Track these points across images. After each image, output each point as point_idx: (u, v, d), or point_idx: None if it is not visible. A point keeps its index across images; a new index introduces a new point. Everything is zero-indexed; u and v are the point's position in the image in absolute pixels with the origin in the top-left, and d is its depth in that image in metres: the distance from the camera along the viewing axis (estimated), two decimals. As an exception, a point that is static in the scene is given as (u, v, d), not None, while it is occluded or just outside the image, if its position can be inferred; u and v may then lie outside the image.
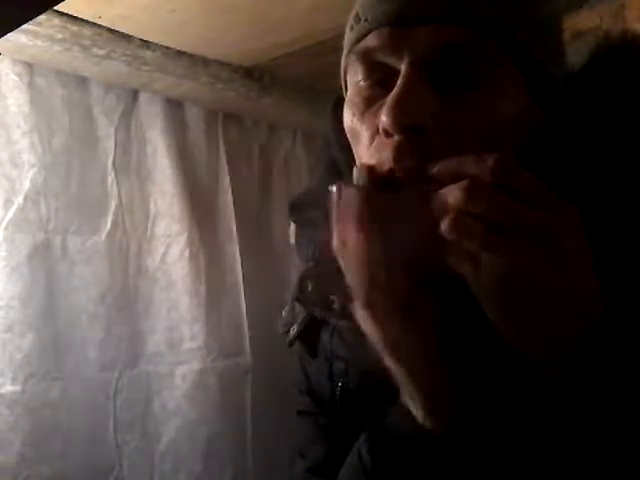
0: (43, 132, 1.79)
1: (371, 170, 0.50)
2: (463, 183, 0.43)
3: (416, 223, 0.46)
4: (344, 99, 0.62)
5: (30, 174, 1.76)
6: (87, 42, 1.66)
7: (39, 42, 1.61)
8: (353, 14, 0.57)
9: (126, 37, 1.73)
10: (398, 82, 0.50)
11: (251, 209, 2.25)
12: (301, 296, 0.66)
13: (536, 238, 0.42)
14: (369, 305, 0.49)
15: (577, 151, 0.54)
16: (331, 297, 0.62)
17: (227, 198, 2.18)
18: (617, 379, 0.42)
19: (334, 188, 0.50)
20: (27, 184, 1.75)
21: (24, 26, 1.27)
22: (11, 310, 1.69)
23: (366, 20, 0.54)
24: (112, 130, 1.94)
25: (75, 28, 1.63)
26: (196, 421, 1.99)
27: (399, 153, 0.50)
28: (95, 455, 1.82)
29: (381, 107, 0.51)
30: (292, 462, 0.70)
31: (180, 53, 1.85)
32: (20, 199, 1.74)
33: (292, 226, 0.72)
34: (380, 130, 0.51)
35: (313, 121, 2.27)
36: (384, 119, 0.50)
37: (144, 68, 1.81)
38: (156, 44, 1.80)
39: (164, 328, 1.99)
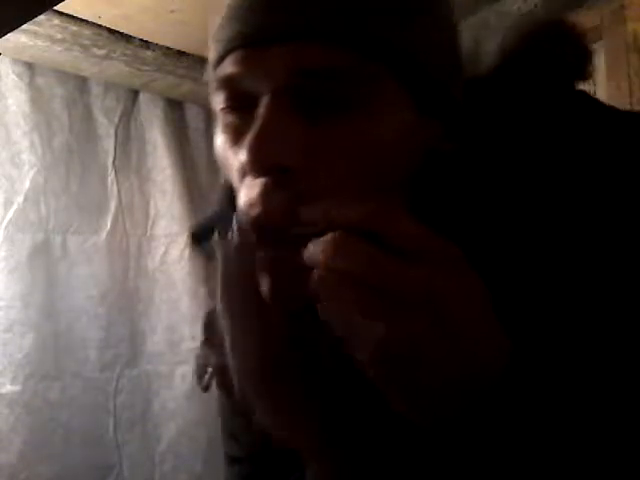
0: (43, 132, 1.79)
1: (246, 215, 0.44)
2: (330, 236, 0.37)
3: (289, 278, 0.41)
4: None
5: (30, 174, 1.76)
6: (87, 42, 1.66)
7: (39, 42, 1.61)
8: (213, 30, 0.49)
9: (126, 37, 1.73)
10: (259, 114, 0.43)
11: (251, 209, 2.24)
12: (209, 340, 0.60)
13: (412, 299, 0.36)
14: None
15: (479, 165, 0.47)
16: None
17: (227, 198, 2.18)
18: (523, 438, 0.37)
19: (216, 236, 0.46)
20: (27, 184, 1.76)
21: (24, 26, 1.27)
22: (11, 310, 1.69)
23: (221, 41, 0.47)
24: (112, 130, 1.94)
25: (75, 28, 1.63)
26: (196, 421, 1.99)
27: (266, 197, 0.43)
28: (95, 455, 1.83)
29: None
30: None
31: (180, 53, 1.85)
32: (20, 199, 1.74)
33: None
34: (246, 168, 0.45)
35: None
36: (243, 159, 0.43)
37: (144, 68, 1.81)
38: (156, 44, 1.80)
39: (164, 328, 1.99)
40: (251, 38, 0.44)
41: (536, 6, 1.67)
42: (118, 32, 1.71)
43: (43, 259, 1.77)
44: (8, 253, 1.70)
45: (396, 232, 0.37)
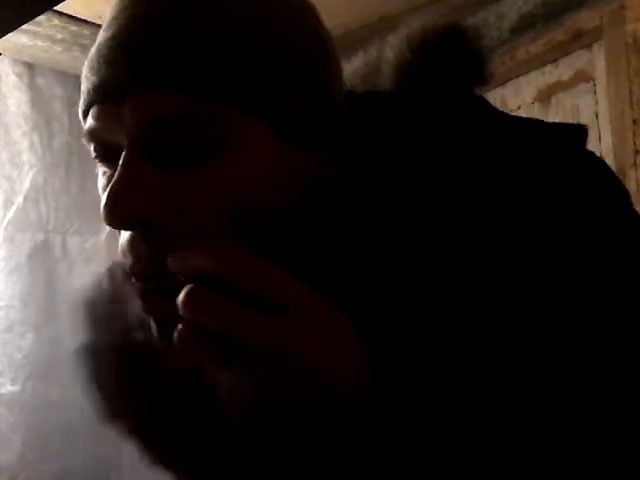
0: (43, 132, 1.79)
1: (122, 265, 0.44)
2: (184, 291, 0.37)
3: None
4: None
5: (30, 174, 1.76)
6: (87, 42, 1.66)
7: (39, 42, 1.61)
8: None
9: (126, 37, 1.73)
10: (117, 168, 0.43)
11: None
12: None
13: (262, 351, 0.36)
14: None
15: (363, 190, 0.46)
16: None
17: (227, 198, 2.18)
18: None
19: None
20: (27, 184, 1.76)
21: (24, 26, 1.27)
22: (11, 310, 1.69)
23: (82, 93, 0.47)
24: (112, 130, 1.94)
25: (75, 28, 1.63)
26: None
27: (132, 249, 0.42)
28: (95, 455, 1.83)
29: None
30: None
31: (180, 53, 1.85)
32: (20, 199, 1.74)
33: None
34: None
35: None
36: (102, 212, 0.42)
37: (144, 68, 1.81)
38: (156, 44, 1.80)
39: (164, 328, 1.99)
40: (105, 91, 0.44)
41: (536, 6, 1.67)
42: (118, 32, 1.71)
43: (43, 259, 1.77)
44: (8, 253, 1.70)
45: (249, 281, 0.36)
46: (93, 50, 0.47)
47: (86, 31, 1.65)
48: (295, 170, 0.45)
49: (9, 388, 1.68)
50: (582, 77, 1.58)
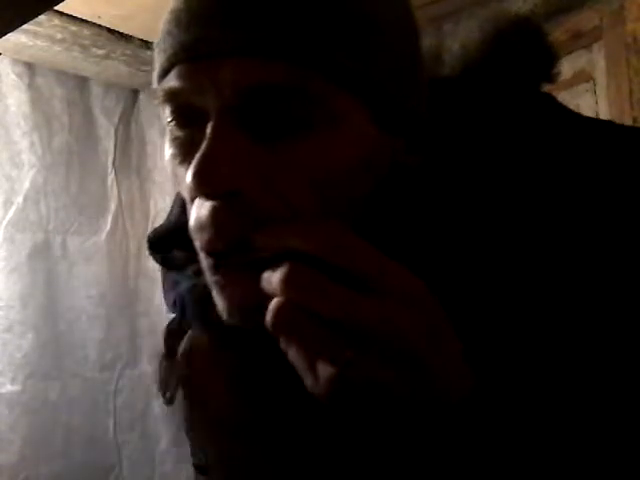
0: (43, 132, 1.79)
1: (197, 238, 0.42)
2: (283, 267, 0.35)
3: (246, 302, 0.40)
4: None
5: (30, 174, 1.76)
6: (87, 42, 1.66)
7: (39, 42, 1.61)
8: (157, 39, 0.46)
9: (126, 37, 1.73)
10: (206, 134, 0.40)
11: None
12: (168, 355, 0.57)
13: (367, 334, 0.34)
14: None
15: (444, 179, 0.45)
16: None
17: (227, 198, 2.18)
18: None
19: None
20: (27, 184, 1.76)
21: (24, 26, 1.27)
22: (11, 310, 1.69)
23: (165, 51, 0.43)
24: (112, 130, 1.94)
25: (75, 28, 1.63)
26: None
27: (216, 221, 0.40)
28: (95, 455, 1.83)
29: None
30: None
31: (180, 53, 1.85)
32: (20, 199, 1.74)
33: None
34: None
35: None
36: (189, 183, 0.40)
37: (144, 68, 1.81)
38: (156, 44, 1.80)
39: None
40: (199, 51, 0.41)
41: (536, 6, 1.67)
42: (118, 32, 1.71)
43: (43, 259, 1.77)
44: (8, 253, 1.70)
45: (352, 262, 0.35)
46: (178, 4, 0.44)
47: (86, 31, 1.65)
48: (381, 154, 0.44)
49: (9, 388, 1.67)
50: (582, 77, 1.58)
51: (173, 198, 0.61)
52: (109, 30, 1.69)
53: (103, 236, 1.89)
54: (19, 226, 1.73)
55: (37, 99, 1.78)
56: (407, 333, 0.35)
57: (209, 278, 0.42)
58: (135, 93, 2.00)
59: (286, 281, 0.35)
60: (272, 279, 0.36)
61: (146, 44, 1.78)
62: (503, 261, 0.42)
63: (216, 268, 0.41)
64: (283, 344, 0.36)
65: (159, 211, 2.02)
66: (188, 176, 0.40)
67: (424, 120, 0.45)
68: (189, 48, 0.41)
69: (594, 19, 1.60)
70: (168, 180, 2.02)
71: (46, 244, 1.78)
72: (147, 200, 2.00)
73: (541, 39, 0.49)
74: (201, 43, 0.41)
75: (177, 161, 0.44)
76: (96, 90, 1.92)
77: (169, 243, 0.57)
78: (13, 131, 1.74)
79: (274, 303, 0.35)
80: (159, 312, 1.99)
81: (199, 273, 0.47)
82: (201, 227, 0.41)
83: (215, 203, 0.40)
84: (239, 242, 0.39)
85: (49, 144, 1.80)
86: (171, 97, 0.43)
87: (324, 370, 0.35)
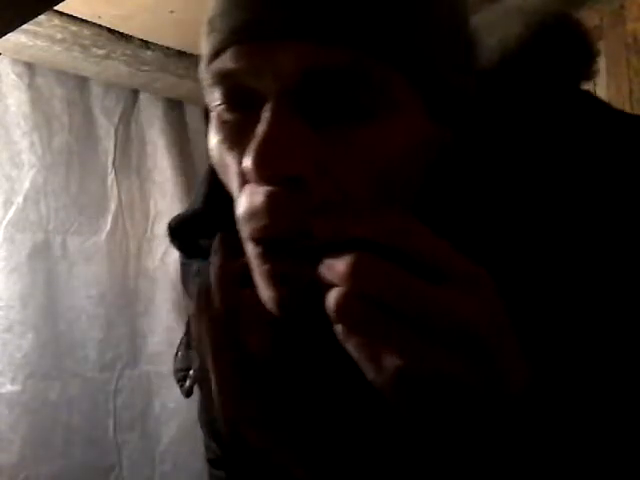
0: (43, 132, 1.79)
1: (249, 224, 0.41)
2: (350, 255, 0.34)
3: (297, 292, 0.39)
4: None
5: (30, 174, 1.76)
6: (87, 42, 1.66)
7: (39, 42, 1.61)
8: (208, 17, 0.44)
9: (126, 37, 1.73)
10: (265, 118, 0.39)
11: (251, 209, 2.25)
12: (189, 340, 0.56)
13: (436, 325, 0.34)
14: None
15: (490, 170, 0.44)
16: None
17: (227, 198, 2.18)
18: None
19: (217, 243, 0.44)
20: (27, 184, 1.76)
21: (24, 26, 1.27)
22: (11, 310, 1.69)
23: (219, 32, 0.42)
24: (112, 130, 1.94)
25: (75, 28, 1.63)
26: (196, 421, 1.98)
27: (274, 207, 0.39)
28: (95, 455, 1.83)
29: (249, 141, 0.40)
30: None
31: (180, 53, 1.85)
32: (20, 199, 1.74)
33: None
34: (247, 175, 0.41)
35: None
36: (249, 167, 0.39)
37: (144, 68, 1.81)
38: (156, 44, 1.80)
39: (164, 328, 1.99)
40: (260, 32, 0.40)
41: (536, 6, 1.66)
42: (118, 32, 1.71)
43: (43, 259, 1.77)
44: (8, 253, 1.70)
45: (419, 250, 0.35)
46: None
47: (86, 31, 1.65)
48: (432, 143, 0.43)
49: (9, 388, 1.67)
50: (582, 77, 1.58)
51: (201, 181, 0.58)
52: (109, 30, 1.69)
53: (103, 236, 1.89)
54: (19, 226, 1.73)
55: (37, 99, 1.78)
56: (474, 323, 0.34)
57: (257, 267, 0.41)
58: (135, 93, 2.00)
59: (353, 269, 0.34)
60: (336, 267, 0.35)
61: (146, 44, 1.78)
62: (549, 253, 0.41)
63: (267, 257, 0.40)
64: (343, 334, 0.35)
65: (159, 211, 2.02)
66: (247, 160, 0.39)
67: (471, 111, 0.45)
68: (248, 29, 0.40)
69: (594, 19, 1.60)
70: (168, 180, 2.02)
71: (46, 244, 1.78)
72: (147, 200, 2.00)
73: (581, 35, 0.49)
74: (262, 24, 0.40)
75: (225, 146, 0.43)
76: (96, 90, 1.92)
77: (192, 230, 0.57)
78: (13, 131, 1.74)
79: (337, 292, 0.35)
80: (159, 312, 1.99)
81: None
82: (254, 213, 0.40)
83: (272, 188, 0.39)
84: (295, 229, 0.39)
85: (49, 144, 1.80)
86: (224, 79, 0.42)
87: (390, 361, 0.34)
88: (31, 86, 1.77)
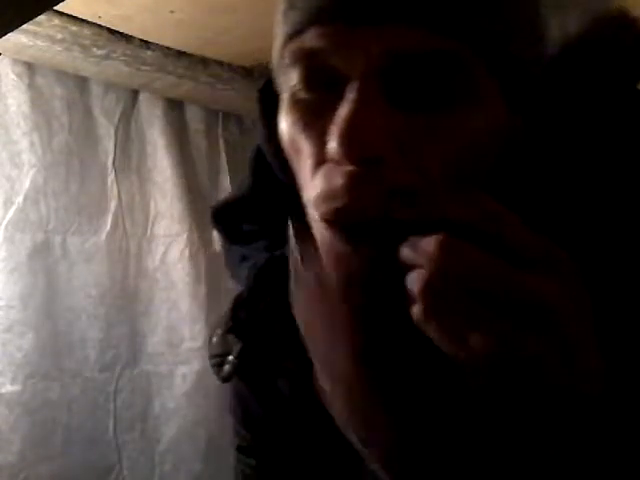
0: (43, 132, 1.79)
1: (325, 205, 0.40)
2: (436, 238, 0.34)
3: (377, 274, 0.38)
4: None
5: (30, 174, 1.76)
6: (87, 42, 1.66)
7: (39, 42, 1.61)
8: None
9: (126, 37, 1.73)
10: (349, 97, 0.39)
11: (251, 209, 2.25)
12: (234, 325, 0.56)
13: (526, 310, 0.33)
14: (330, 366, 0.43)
15: (556, 158, 0.44)
16: (272, 332, 0.54)
17: (227, 198, 2.18)
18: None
19: (292, 229, 0.43)
20: (27, 184, 1.75)
21: (24, 26, 1.27)
22: (11, 310, 1.69)
23: (303, 9, 0.41)
24: (112, 130, 1.94)
25: (75, 28, 1.63)
26: (196, 421, 1.99)
27: (355, 188, 0.39)
28: (95, 455, 1.83)
29: (329, 122, 0.40)
30: None
31: (180, 53, 1.85)
32: (20, 199, 1.74)
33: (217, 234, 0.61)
34: (328, 155, 0.41)
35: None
36: (334, 146, 0.39)
37: (144, 68, 1.81)
38: (156, 44, 1.80)
39: (164, 328, 1.99)
40: (346, 12, 0.39)
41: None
42: (118, 32, 1.71)
43: (43, 259, 1.77)
44: (8, 253, 1.70)
45: (507, 233, 0.34)
46: None
47: (86, 31, 1.65)
48: (506, 129, 0.43)
49: (9, 388, 1.67)
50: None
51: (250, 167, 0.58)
52: (109, 30, 1.69)
53: (103, 236, 1.89)
54: (19, 226, 1.73)
55: (37, 99, 1.78)
56: (559, 308, 0.34)
57: (330, 249, 0.41)
58: (135, 93, 2.00)
59: (441, 249, 0.34)
60: (423, 247, 0.35)
61: (146, 44, 1.78)
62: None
63: (343, 238, 0.40)
64: (424, 315, 0.35)
65: (159, 211, 2.02)
66: (332, 139, 0.39)
67: (540, 97, 0.45)
68: (337, 8, 0.40)
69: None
70: (168, 180, 2.02)
71: (46, 244, 1.78)
72: (147, 200, 2.00)
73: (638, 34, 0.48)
74: (352, 5, 0.39)
75: (299, 127, 0.43)
76: (96, 90, 1.92)
77: (237, 215, 0.57)
78: (13, 131, 1.74)
79: (421, 272, 0.35)
80: (159, 312, 1.99)
81: (271, 247, 0.47)
82: (333, 194, 0.39)
83: (354, 169, 0.39)
84: (375, 210, 0.38)
85: (49, 144, 1.80)
86: (306, 57, 0.42)
87: (476, 342, 0.34)
88: (31, 86, 1.77)
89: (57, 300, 1.79)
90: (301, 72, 0.43)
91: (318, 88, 0.43)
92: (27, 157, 1.76)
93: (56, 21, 1.59)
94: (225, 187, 2.19)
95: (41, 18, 1.52)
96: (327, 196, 0.40)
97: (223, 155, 2.19)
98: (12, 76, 1.74)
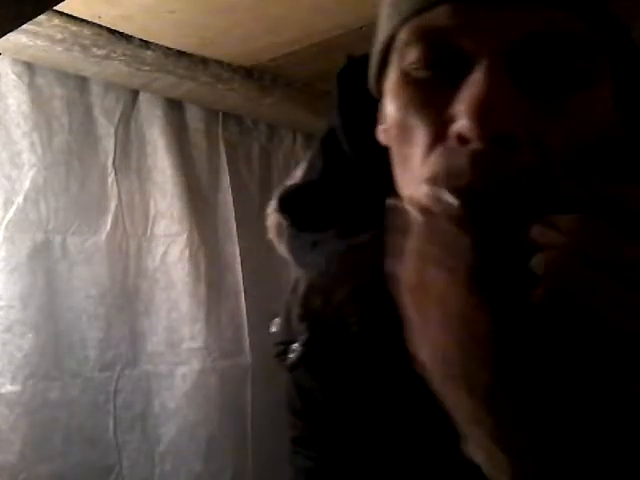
0: (43, 132, 1.79)
1: (448, 183, 0.39)
2: (575, 217, 0.34)
3: (507, 253, 0.37)
4: (356, 65, 0.51)
5: (30, 174, 1.76)
6: (87, 42, 1.66)
7: (39, 42, 1.61)
8: None
9: (126, 37, 1.73)
10: (477, 77, 0.39)
11: (251, 209, 2.25)
12: (305, 312, 0.55)
13: None
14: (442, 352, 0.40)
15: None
16: (350, 319, 0.52)
17: (227, 198, 2.18)
18: None
19: (394, 207, 0.42)
20: (27, 184, 1.75)
21: (24, 26, 1.27)
22: (11, 310, 1.69)
23: None
24: (112, 130, 1.94)
25: (75, 28, 1.63)
26: (196, 421, 1.99)
27: (482, 166, 0.38)
28: (95, 455, 1.83)
29: (448, 104, 0.41)
30: None
31: (180, 53, 1.85)
32: (20, 199, 1.74)
33: (273, 219, 0.60)
34: (453, 134, 0.41)
35: (313, 121, 2.27)
36: (465, 123, 0.39)
37: (144, 68, 1.81)
38: (156, 44, 1.80)
39: (164, 328, 1.99)
40: None
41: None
42: (118, 32, 1.71)
43: (43, 259, 1.77)
44: (8, 253, 1.70)
45: None
46: None
47: (86, 31, 1.65)
48: (612, 118, 0.43)
49: (9, 388, 1.67)
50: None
51: (312, 154, 0.58)
52: (109, 30, 1.69)
53: (103, 236, 1.89)
54: (19, 226, 1.73)
55: (37, 99, 1.78)
56: None
57: (445, 229, 0.40)
58: (135, 93, 2.00)
59: (582, 229, 0.33)
60: (562, 225, 0.34)
61: (146, 44, 1.78)
62: None
63: (465, 217, 0.39)
64: (557, 294, 0.34)
65: (159, 211, 2.02)
66: (461, 117, 0.39)
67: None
68: None
69: None
70: (168, 180, 2.02)
71: (46, 244, 1.78)
72: (147, 200, 2.00)
73: None
74: None
75: (413, 105, 0.43)
76: (96, 90, 1.92)
77: (307, 201, 0.56)
78: (13, 131, 1.74)
79: (556, 251, 0.34)
80: (159, 312, 1.99)
81: (342, 235, 0.48)
82: (456, 172, 0.38)
83: (482, 147, 0.39)
84: (501, 189, 0.37)
85: (49, 144, 1.80)
86: (429, 36, 0.42)
87: (618, 322, 0.33)
88: (31, 86, 1.77)
89: (57, 300, 1.79)
90: (421, 50, 0.43)
91: (437, 67, 0.43)
92: (27, 157, 1.76)
93: (56, 21, 1.59)
94: (225, 187, 2.19)
95: (41, 18, 1.52)
96: (450, 174, 0.39)
97: (223, 155, 2.19)
98: (12, 76, 1.74)
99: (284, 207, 0.58)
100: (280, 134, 2.38)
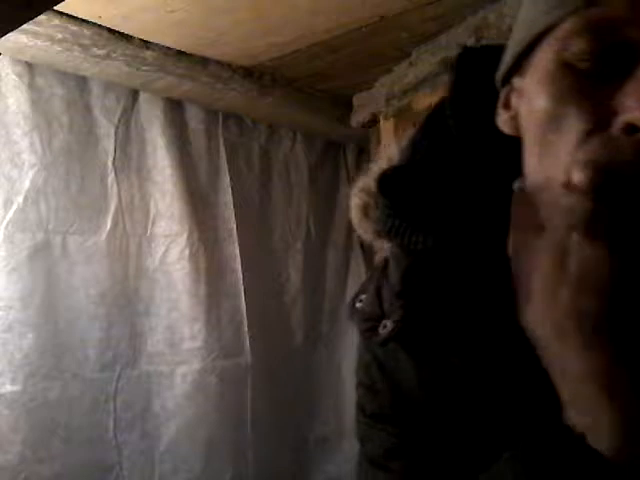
0: (43, 132, 1.79)
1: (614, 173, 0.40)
2: None
3: None
4: (478, 52, 0.54)
5: (30, 174, 1.76)
6: (87, 42, 1.66)
7: (39, 42, 1.61)
8: None
9: (126, 37, 1.73)
10: None
11: (251, 209, 2.25)
12: (404, 289, 0.55)
13: None
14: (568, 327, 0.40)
15: None
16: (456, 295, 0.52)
17: (227, 198, 2.18)
18: None
19: (517, 191, 0.44)
20: (27, 184, 1.76)
21: (24, 26, 1.27)
22: (11, 310, 1.69)
23: None
24: (112, 130, 1.94)
25: (75, 28, 1.63)
26: (196, 421, 1.99)
27: None
28: (95, 455, 1.83)
29: (610, 95, 0.41)
30: (367, 472, 0.61)
31: (180, 53, 1.85)
32: (20, 199, 1.74)
33: (357, 199, 0.61)
34: (620, 124, 0.41)
35: (313, 121, 2.27)
36: (637, 114, 0.40)
37: (144, 68, 1.81)
38: (156, 44, 1.80)
39: (164, 328, 1.99)
40: None
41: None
42: (118, 32, 1.71)
43: (43, 259, 1.77)
44: (8, 253, 1.70)
45: None
46: None
47: (86, 31, 1.65)
48: None
49: (9, 388, 1.67)
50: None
51: (408, 139, 0.59)
52: (109, 30, 1.69)
53: (103, 236, 1.89)
54: (19, 226, 1.73)
55: (37, 99, 1.78)
56: None
57: (585, 220, 0.41)
58: (135, 93, 2.00)
59: None
60: None
61: (146, 44, 1.78)
62: None
63: (608, 206, 0.40)
64: None
65: (159, 211, 2.02)
66: (631, 106, 0.40)
67: None
68: None
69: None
70: (168, 180, 2.02)
71: (46, 244, 1.78)
72: (147, 200, 2.00)
73: None
74: None
75: (570, 93, 0.44)
76: (96, 90, 1.92)
77: (406, 182, 0.57)
78: (13, 131, 1.74)
79: None
80: (159, 312, 1.99)
81: (444, 216, 0.49)
82: (617, 162, 0.40)
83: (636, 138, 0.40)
84: None
85: (49, 144, 1.80)
86: (602, 27, 0.43)
87: None
88: (31, 86, 1.77)
89: (57, 300, 1.79)
90: (589, 42, 0.43)
91: (602, 59, 0.43)
92: (27, 157, 1.76)
93: (56, 21, 1.59)
94: (225, 187, 2.18)
95: (41, 18, 1.52)
96: (610, 162, 0.40)
97: (223, 155, 2.19)
98: (12, 76, 1.74)
99: (383, 188, 0.58)
100: (280, 134, 2.38)
